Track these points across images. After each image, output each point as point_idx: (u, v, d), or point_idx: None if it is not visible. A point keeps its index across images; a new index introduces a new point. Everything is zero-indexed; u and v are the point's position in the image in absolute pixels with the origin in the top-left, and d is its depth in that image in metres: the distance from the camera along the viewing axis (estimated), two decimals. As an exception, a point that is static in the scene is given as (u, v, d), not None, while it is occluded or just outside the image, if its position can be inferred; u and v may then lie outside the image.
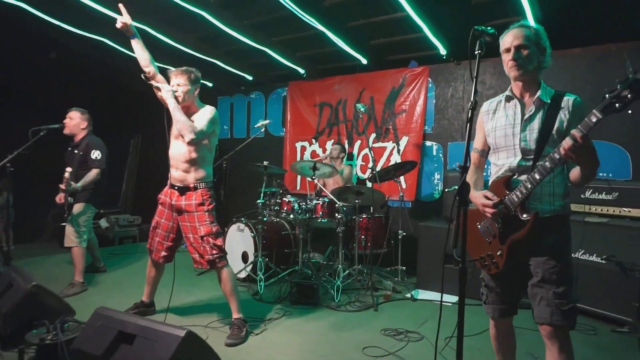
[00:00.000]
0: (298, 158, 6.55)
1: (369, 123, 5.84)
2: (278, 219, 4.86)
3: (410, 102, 5.52)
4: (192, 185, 3.14)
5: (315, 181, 4.56)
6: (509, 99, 2.05)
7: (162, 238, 3.29)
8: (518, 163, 1.95)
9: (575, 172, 1.83)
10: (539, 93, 1.94)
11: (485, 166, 2.26)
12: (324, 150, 6.17)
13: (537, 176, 1.79)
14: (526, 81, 1.98)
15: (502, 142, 2.02)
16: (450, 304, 3.82)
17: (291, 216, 4.52)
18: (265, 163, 4.58)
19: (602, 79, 4.23)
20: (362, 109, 4.77)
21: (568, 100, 1.89)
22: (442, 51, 4.96)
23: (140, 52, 3.13)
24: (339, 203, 4.27)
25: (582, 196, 3.80)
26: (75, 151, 4.25)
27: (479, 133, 2.20)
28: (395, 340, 3.18)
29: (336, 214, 4.31)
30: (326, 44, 5.15)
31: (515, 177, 1.95)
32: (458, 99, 5.30)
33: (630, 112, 1.47)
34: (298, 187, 6.47)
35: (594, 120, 1.55)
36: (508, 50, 1.94)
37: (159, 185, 3.38)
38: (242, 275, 4.54)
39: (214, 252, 3.12)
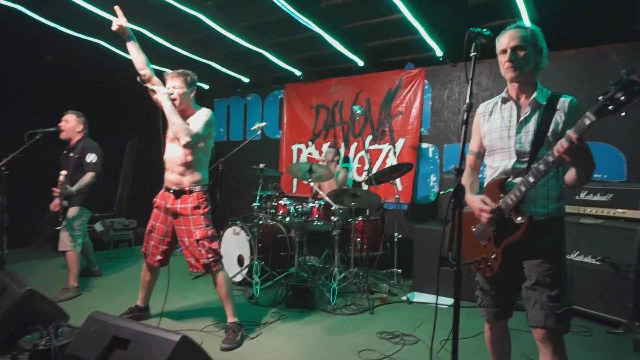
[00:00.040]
0: (294, 160, 6.54)
1: (365, 125, 5.85)
2: (274, 222, 4.85)
3: (407, 104, 5.53)
4: (187, 189, 3.13)
5: (312, 184, 4.56)
6: (505, 100, 2.04)
7: (157, 242, 3.27)
8: (513, 165, 1.94)
9: (570, 175, 1.82)
10: (534, 94, 1.92)
11: (481, 168, 2.26)
12: (321, 153, 6.17)
13: (531, 179, 1.79)
14: (522, 82, 1.96)
15: (497, 144, 2.01)
16: (446, 307, 3.82)
17: (287, 219, 4.51)
18: (261, 166, 4.57)
19: (598, 79, 4.24)
20: (358, 111, 4.77)
21: (564, 102, 1.87)
22: (439, 53, 4.97)
23: (136, 54, 3.12)
24: (335, 206, 4.27)
25: (576, 197, 3.82)
26: (71, 154, 4.23)
27: (475, 135, 2.18)
28: (391, 344, 3.17)
29: (332, 217, 4.30)
30: (322, 46, 5.15)
31: (509, 179, 1.95)
32: (454, 101, 5.31)
33: (623, 114, 1.46)
34: (294, 190, 6.46)
35: (588, 122, 1.55)
36: (504, 51, 1.93)
37: (155, 189, 3.37)
38: (238, 278, 4.52)
39: (210, 255, 3.10)
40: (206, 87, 7.40)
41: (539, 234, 1.85)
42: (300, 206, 4.45)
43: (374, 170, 5.29)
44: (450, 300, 1.71)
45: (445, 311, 3.67)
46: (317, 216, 4.44)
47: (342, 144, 6.09)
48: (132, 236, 6.74)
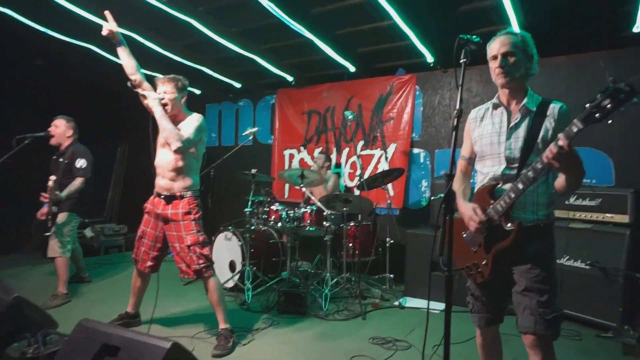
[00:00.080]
0: (286, 166, 6.54)
1: (357, 130, 5.86)
2: (266, 228, 4.84)
3: (398, 109, 5.56)
4: (178, 194, 3.12)
5: (303, 189, 4.56)
6: (495, 106, 2.05)
7: (148, 248, 3.25)
8: (502, 172, 1.95)
9: (560, 181, 1.83)
10: (525, 101, 1.93)
11: (473, 173, 2.27)
12: (313, 158, 6.17)
13: (520, 186, 1.79)
14: (513, 88, 1.97)
15: (487, 149, 2.02)
16: (438, 312, 3.83)
17: (279, 224, 4.50)
18: (253, 171, 4.57)
19: (586, 86, 4.31)
20: (350, 117, 4.79)
21: (554, 108, 1.88)
22: (429, 59, 5.00)
23: (126, 59, 3.11)
24: (327, 211, 4.27)
25: (566, 202, 3.86)
26: (61, 159, 4.19)
27: (467, 141, 2.19)
28: (383, 349, 3.17)
29: (324, 222, 4.30)
30: (314, 51, 5.17)
31: (499, 185, 1.95)
32: (445, 107, 5.35)
33: (610, 122, 1.47)
34: (286, 196, 6.45)
35: (575, 130, 1.55)
36: (495, 57, 1.94)
37: (146, 194, 3.35)
38: (230, 284, 4.50)
39: (201, 261, 3.09)
40: (198, 92, 7.38)
41: (529, 240, 1.86)
42: (292, 211, 4.45)
43: (366, 176, 5.30)
44: (442, 305, 1.72)
45: (438, 316, 3.68)
46: (309, 221, 4.44)
47: (334, 149, 6.10)
48: (123, 242, 6.68)
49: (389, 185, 5.34)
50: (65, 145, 4.25)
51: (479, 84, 5.05)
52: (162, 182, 3.14)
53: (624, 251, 3.39)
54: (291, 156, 6.54)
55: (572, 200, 3.84)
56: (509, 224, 1.85)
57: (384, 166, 5.60)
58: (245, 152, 5.78)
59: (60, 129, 4.23)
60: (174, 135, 2.97)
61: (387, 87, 5.64)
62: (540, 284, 1.84)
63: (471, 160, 2.19)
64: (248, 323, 3.62)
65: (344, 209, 4.46)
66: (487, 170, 2.03)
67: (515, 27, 3.93)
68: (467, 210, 1.97)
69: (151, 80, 3.19)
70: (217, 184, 6.27)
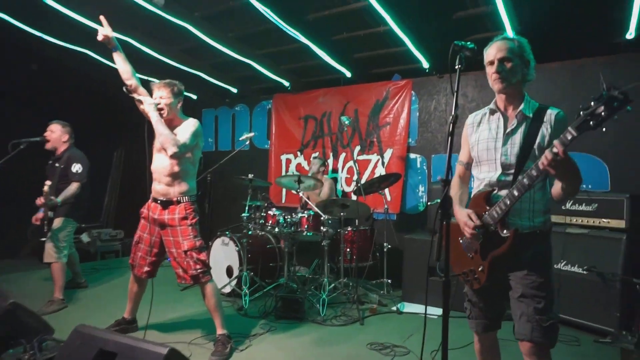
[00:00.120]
0: (283, 171, 6.54)
1: (354, 136, 5.88)
2: (263, 233, 4.83)
3: (394, 114, 5.58)
4: (175, 199, 3.11)
5: (300, 194, 4.56)
6: (492, 112, 2.05)
7: (144, 253, 3.24)
8: (498, 178, 1.94)
9: (557, 188, 1.82)
10: (521, 107, 1.92)
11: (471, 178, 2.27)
12: (309, 163, 6.17)
13: (515, 193, 1.79)
14: (510, 94, 1.96)
15: (484, 155, 2.02)
16: (435, 317, 3.82)
17: (276, 229, 4.49)
18: (250, 176, 4.56)
19: (580, 92, 4.34)
20: (346, 122, 4.80)
21: (551, 114, 1.87)
22: (425, 64, 5.04)
23: (122, 64, 3.11)
24: (324, 216, 4.27)
25: (562, 207, 3.87)
26: (57, 164, 4.18)
27: (464, 146, 2.19)
28: (381, 355, 3.16)
29: (321, 227, 4.30)
30: (310, 57, 5.19)
31: (495, 192, 1.95)
32: (441, 112, 5.37)
33: (604, 130, 1.47)
34: (283, 201, 6.45)
35: (569, 137, 1.55)
36: (491, 62, 1.93)
37: (142, 199, 3.34)
38: (227, 289, 4.48)
39: (198, 266, 3.08)
40: (194, 97, 7.39)
41: (525, 246, 1.85)
42: (289, 216, 4.44)
43: (363, 181, 5.31)
44: (440, 311, 1.72)
45: (436, 321, 3.66)
46: (306, 226, 4.43)
47: (331, 154, 6.11)
48: (120, 247, 6.66)
49: (386, 190, 5.35)
50: (61, 150, 4.24)
51: (474, 90, 5.08)
52: (159, 187, 3.14)
53: (620, 256, 3.40)
54: (288, 161, 6.54)
55: (568, 205, 3.86)
56: (505, 231, 1.85)
57: (380, 171, 5.61)
58: (242, 157, 5.79)
59: (56, 134, 4.22)
60: (170, 140, 2.97)
61: (383, 93, 5.67)
62: (536, 291, 1.83)
63: (469, 166, 2.18)
64: (245, 329, 3.61)
65: (342, 213, 4.46)
66: (483, 176, 2.03)
67: (509, 33, 3.97)
68: (463, 216, 1.97)
69: (147, 85, 3.19)
70: (214, 188, 6.28)
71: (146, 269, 3.25)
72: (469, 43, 1.81)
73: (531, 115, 1.91)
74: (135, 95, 3.09)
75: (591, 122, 1.48)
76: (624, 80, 3.97)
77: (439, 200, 1.72)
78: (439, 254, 1.76)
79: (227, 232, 4.67)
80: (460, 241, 2.07)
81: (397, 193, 5.47)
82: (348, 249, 4.65)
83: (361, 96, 5.85)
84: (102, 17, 3.01)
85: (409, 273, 4.46)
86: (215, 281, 3.28)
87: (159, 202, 3.14)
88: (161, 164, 3.10)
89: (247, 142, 4.82)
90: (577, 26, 4.09)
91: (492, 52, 1.93)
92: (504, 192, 1.88)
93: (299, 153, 6.40)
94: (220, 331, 3.16)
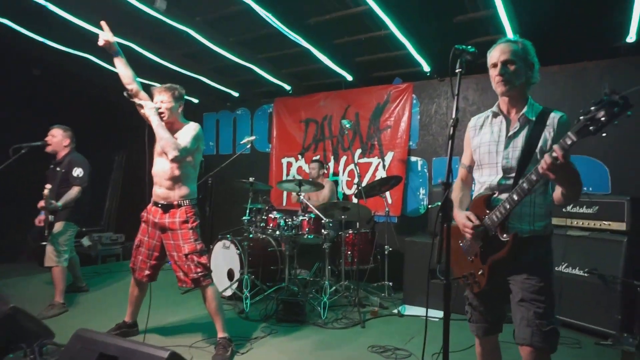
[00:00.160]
0: (284, 174, 6.55)
1: (355, 139, 5.89)
2: (264, 236, 4.83)
3: (395, 118, 5.58)
4: (175, 203, 3.11)
5: (301, 197, 4.56)
6: (495, 114, 2.03)
7: (145, 257, 3.24)
8: (498, 181, 1.93)
9: (557, 193, 1.81)
10: (524, 110, 1.90)
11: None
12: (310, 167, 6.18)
13: (515, 197, 1.77)
14: (513, 97, 1.94)
15: (485, 158, 2.00)
16: (437, 319, 3.82)
17: (277, 232, 4.49)
18: (251, 179, 4.57)
19: (580, 95, 4.35)
20: (347, 125, 4.81)
21: (554, 118, 1.85)
22: (426, 68, 5.05)
23: (122, 69, 3.12)
24: (325, 219, 4.27)
25: (563, 210, 3.87)
26: (58, 169, 4.19)
27: (467, 149, 2.17)
28: (382, 358, 3.16)
29: (322, 230, 4.30)
30: (311, 61, 5.21)
31: (495, 195, 1.94)
32: (442, 115, 5.38)
33: (604, 135, 1.46)
34: (284, 203, 6.45)
35: (569, 142, 1.54)
36: (495, 65, 1.91)
37: (143, 203, 3.34)
38: (228, 293, 4.48)
39: (199, 270, 3.07)
40: (195, 101, 7.41)
41: (525, 250, 1.84)
42: (290, 219, 4.45)
43: (364, 184, 5.31)
44: (441, 313, 1.71)
45: (437, 324, 3.67)
46: (307, 229, 4.44)
47: (332, 158, 6.12)
48: (120, 251, 6.66)
49: (387, 193, 5.35)
50: (62, 155, 4.25)
51: (475, 93, 5.09)
52: (159, 190, 3.14)
53: (621, 259, 3.40)
54: (289, 164, 6.55)
55: (569, 207, 3.85)
56: (505, 235, 1.84)
57: (381, 174, 5.61)
58: (243, 161, 5.79)
59: (57, 138, 4.23)
60: (171, 144, 2.98)
61: (384, 96, 5.68)
62: (536, 295, 1.81)
63: (471, 169, 2.17)
64: (246, 332, 3.60)
65: (342, 216, 4.46)
66: (484, 179, 2.02)
67: (510, 36, 3.97)
68: (462, 218, 1.97)
69: (148, 90, 3.20)
70: (215, 192, 6.27)
71: (147, 272, 3.25)
72: (469, 47, 1.80)
73: (534, 118, 1.88)
74: (136, 100, 3.10)
75: (591, 127, 1.47)
76: (624, 84, 3.97)
77: (439, 203, 1.71)
78: (440, 256, 1.76)
79: (228, 236, 4.67)
80: (461, 244, 2.07)
81: (398, 196, 5.48)
82: (349, 252, 4.64)
83: (362, 99, 5.86)
84: (102, 23, 3.02)
85: (410, 276, 4.46)
86: (216, 284, 3.27)
87: (159, 205, 3.14)
88: (162, 167, 3.11)
89: (248, 146, 4.82)
90: (577, 30, 4.10)
91: (495, 54, 1.92)
92: (504, 196, 1.86)
93: (300, 156, 6.41)
94: (221, 334, 3.16)
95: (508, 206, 1.80)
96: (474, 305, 2.08)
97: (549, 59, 4.44)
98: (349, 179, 5.98)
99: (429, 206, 4.85)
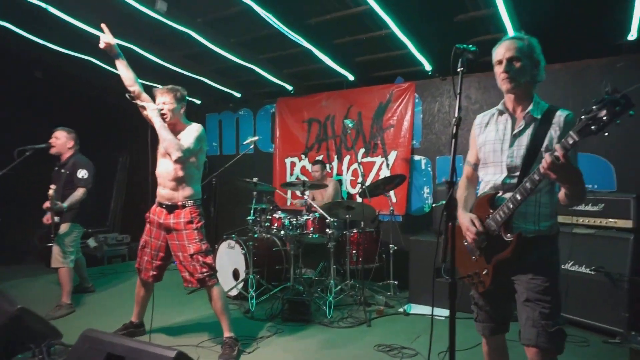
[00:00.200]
0: (288, 173, 6.56)
1: (358, 138, 5.89)
2: (269, 236, 4.84)
3: (398, 117, 5.58)
4: (180, 204, 3.13)
5: (305, 197, 4.57)
6: (501, 112, 2.00)
7: (150, 257, 3.25)
8: (503, 180, 1.91)
9: (561, 193, 1.78)
10: (529, 108, 1.88)
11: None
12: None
13: (518, 197, 1.75)
14: (518, 95, 1.92)
15: (490, 157, 1.98)
16: (443, 318, 3.81)
17: (282, 232, 4.50)
18: (254, 179, 4.58)
19: (582, 93, 4.33)
20: (350, 125, 4.81)
21: (560, 117, 1.81)
22: (427, 67, 5.04)
23: (124, 71, 3.14)
24: (329, 218, 4.27)
25: (569, 208, 3.86)
26: (62, 170, 4.21)
27: (472, 147, 2.15)
28: (389, 357, 3.16)
29: (327, 230, 4.31)
30: (313, 61, 5.21)
31: (499, 194, 1.92)
32: (445, 114, 5.37)
33: (606, 134, 1.44)
34: (289, 203, 6.46)
35: (571, 142, 1.52)
36: (500, 62, 1.89)
37: (148, 203, 3.36)
38: (234, 292, 4.49)
39: (204, 270, 3.09)
40: (198, 102, 7.43)
41: (529, 251, 1.81)
42: (295, 219, 4.45)
43: (367, 183, 5.31)
44: (447, 312, 1.70)
45: (443, 322, 3.65)
46: (312, 229, 4.44)
47: (335, 157, 6.12)
48: (126, 251, 6.69)
49: (391, 192, 5.35)
50: (66, 157, 4.27)
51: (477, 91, 5.08)
52: (164, 191, 3.16)
53: (628, 256, 3.37)
54: (292, 164, 6.55)
55: (574, 205, 3.84)
56: (509, 235, 1.82)
57: (385, 173, 5.61)
58: (246, 161, 5.81)
59: (61, 141, 4.25)
60: (174, 145, 2.99)
61: (387, 95, 5.67)
62: (542, 295, 1.79)
63: (476, 167, 2.14)
64: (252, 331, 3.61)
65: (347, 216, 4.47)
66: (489, 178, 2.00)
67: (511, 34, 3.96)
68: (465, 221, 1.95)
69: (150, 91, 3.22)
70: (219, 192, 6.30)
71: (152, 273, 3.27)
72: (470, 46, 1.79)
73: (539, 116, 1.86)
74: (138, 102, 3.12)
75: (593, 127, 1.44)
76: (625, 81, 3.95)
77: (444, 202, 1.70)
78: (445, 256, 1.74)
79: (233, 236, 4.69)
80: (465, 244, 2.05)
81: (402, 195, 5.47)
82: (354, 251, 4.65)
83: (364, 99, 5.86)
84: (103, 25, 3.04)
85: (416, 274, 4.45)
86: (222, 284, 3.29)
87: (164, 206, 3.16)
88: (166, 168, 3.12)
89: (252, 146, 4.83)
90: (578, 28, 4.08)
91: (500, 51, 1.90)
92: (508, 195, 1.84)
93: (303, 156, 6.41)
94: (227, 334, 3.17)
95: (511, 206, 1.78)
96: (480, 304, 2.07)
97: (551, 57, 4.38)
98: (353, 178, 5.98)
99: (434, 205, 4.85)
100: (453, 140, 1.73)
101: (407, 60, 5.03)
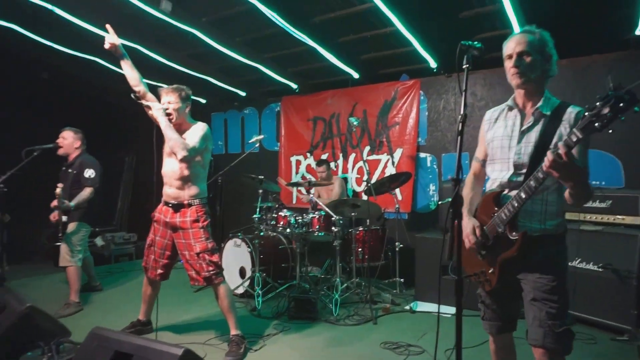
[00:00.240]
0: (293, 172, 6.56)
1: (363, 136, 5.88)
2: (275, 234, 4.85)
3: (403, 114, 5.57)
4: (186, 202, 3.14)
5: (311, 195, 4.57)
6: (510, 108, 1.97)
7: (157, 256, 3.27)
8: (509, 178, 1.88)
9: (566, 192, 1.74)
10: (539, 104, 1.83)
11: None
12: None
13: (522, 195, 1.73)
14: (529, 90, 1.87)
15: (497, 153, 1.95)
16: (449, 316, 3.80)
17: (288, 230, 4.51)
18: (260, 177, 4.59)
19: (589, 89, 4.30)
20: (355, 123, 4.81)
21: (570, 113, 1.76)
22: (433, 64, 5.02)
23: (129, 72, 3.15)
24: (335, 216, 4.27)
25: (576, 204, 3.82)
26: (69, 170, 4.25)
27: (481, 142, 2.13)
28: (395, 354, 3.16)
29: (333, 228, 4.31)
30: (317, 59, 5.21)
31: (505, 192, 1.89)
32: (450, 111, 5.35)
33: (610, 131, 1.41)
34: (294, 201, 6.47)
35: (574, 139, 1.48)
36: (510, 56, 1.85)
37: (155, 202, 3.38)
38: (240, 290, 4.51)
39: (210, 268, 3.10)
40: (203, 101, 7.45)
41: (535, 250, 1.79)
42: (300, 217, 4.46)
43: (373, 180, 5.31)
44: (453, 309, 1.69)
45: (449, 320, 3.65)
46: (317, 227, 4.45)
47: (341, 155, 6.12)
48: (133, 250, 6.73)
49: (397, 190, 5.35)
50: (73, 156, 4.30)
51: (483, 88, 5.05)
52: (170, 190, 3.17)
53: (636, 253, 3.33)
54: (298, 162, 6.56)
55: (581, 202, 3.81)
56: (514, 233, 1.80)
57: (391, 171, 5.60)
58: (252, 159, 5.83)
59: (68, 141, 4.28)
60: (180, 144, 3.00)
61: (392, 93, 5.66)
62: (548, 294, 1.76)
63: (484, 163, 2.11)
64: (259, 329, 3.63)
65: (352, 214, 4.47)
66: (496, 175, 1.97)
67: (517, 31, 3.93)
68: (468, 228, 1.95)
69: (156, 91, 3.23)
70: (225, 191, 6.33)
71: (159, 271, 3.29)
72: (475, 42, 1.77)
73: (549, 113, 1.81)
74: (143, 102, 3.13)
75: (596, 124, 1.41)
76: (632, 76, 3.92)
77: (450, 199, 1.69)
78: (451, 253, 1.73)
79: (239, 234, 4.70)
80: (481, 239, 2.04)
81: (407, 192, 5.46)
82: (360, 249, 4.65)
83: (369, 97, 5.85)
84: (108, 26, 3.05)
85: (422, 272, 4.44)
86: (228, 282, 3.31)
87: (170, 205, 3.18)
88: (171, 168, 3.13)
89: (257, 145, 4.84)
90: (585, 22, 4.05)
91: (511, 45, 1.86)
92: (514, 193, 1.81)
93: (308, 154, 6.41)
94: (234, 332, 3.19)
95: (516, 204, 1.76)
96: (487, 303, 2.05)
97: (557, 52, 4.39)
98: (358, 176, 5.98)
99: (439, 202, 4.83)
100: (459, 138, 1.71)
101: (412, 58, 5.01)
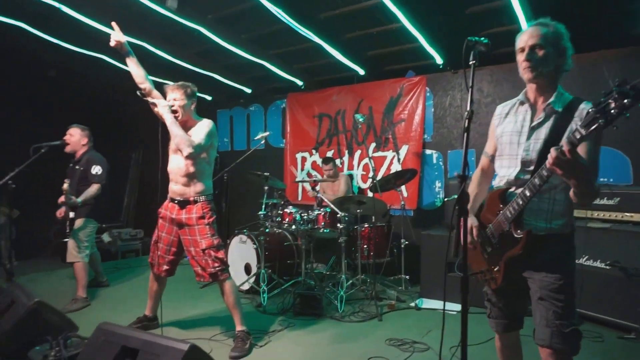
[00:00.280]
0: (299, 169, 6.57)
1: (369, 133, 5.87)
2: (280, 230, 4.86)
3: (409, 111, 5.55)
4: (192, 199, 3.15)
5: (317, 192, 4.57)
6: (521, 103, 1.91)
7: (163, 252, 3.29)
8: (516, 176, 1.84)
9: (571, 191, 1.68)
10: (551, 99, 1.78)
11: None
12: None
13: (527, 193, 1.70)
14: (541, 85, 1.82)
15: (506, 149, 1.91)
16: (455, 313, 3.80)
17: (293, 227, 4.52)
18: (266, 174, 4.60)
19: (598, 84, 4.25)
20: (360, 119, 4.79)
21: (583, 109, 1.70)
22: (439, 60, 4.99)
23: (135, 69, 3.16)
24: (340, 213, 4.27)
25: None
26: (77, 167, 4.28)
27: (491, 137, 2.09)
28: (400, 351, 3.16)
29: (338, 224, 4.31)
30: (323, 55, 5.19)
31: (511, 190, 1.86)
32: (456, 108, 5.32)
33: (615, 128, 1.38)
34: (300, 198, 6.47)
35: (578, 137, 1.44)
36: (522, 49, 1.80)
37: (161, 199, 3.39)
38: (246, 287, 4.53)
39: (216, 264, 3.12)
40: (209, 98, 7.46)
41: (541, 249, 1.77)
42: (306, 214, 4.47)
43: (379, 177, 5.30)
44: (458, 307, 1.69)
45: (455, 317, 3.66)
46: (323, 223, 4.45)
47: (346, 152, 6.11)
48: (140, 246, 6.78)
49: (403, 187, 5.33)
50: (80, 153, 4.33)
51: (490, 85, 5.01)
52: (175, 187, 3.19)
53: (644, 251, 3.32)
54: (303, 159, 6.56)
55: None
56: (519, 231, 1.77)
57: (396, 167, 5.59)
58: (257, 156, 5.83)
59: (75, 138, 4.31)
60: (185, 141, 3.01)
61: (397, 89, 5.64)
62: (555, 293, 1.73)
63: (493, 158, 2.06)
64: (264, 325, 3.64)
65: (358, 210, 4.46)
66: (503, 172, 1.93)
67: (524, 27, 3.90)
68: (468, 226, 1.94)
69: (161, 88, 3.24)
70: (231, 187, 6.34)
71: (165, 267, 3.31)
72: (482, 38, 1.72)
73: (560, 109, 1.76)
74: (149, 99, 3.14)
75: (600, 121, 1.37)
76: (638, 71, 3.87)
77: (456, 196, 1.68)
78: (457, 250, 1.72)
79: (244, 230, 4.72)
80: (477, 240, 2.02)
81: (413, 189, 5.45)
82: (365, 246, 4.64)
83: (375, 93, 5.83)
84: (113, 23, 3.06)
85: (427, 269, 4.43)
86: (234, 279, 3.32)
87: (176, 202, 3.19)
88: (177, 164, 3.15)
89: (263, 142, 4.85)
90: (594, 17, 4.00)
91: (523, 38, 1.80)
92: (520, 191, 1.78)
93: (314, 151, 6.42)
94: (239, 327, 3.20)
95: (521, 202, 1.73)
96: (493, 301, 2.03)
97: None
98: (364, 172, 5.97)
99: (445, 199, 4.82)
100: (465, 134, 1.68)
101: (418, 54, 4.99)
